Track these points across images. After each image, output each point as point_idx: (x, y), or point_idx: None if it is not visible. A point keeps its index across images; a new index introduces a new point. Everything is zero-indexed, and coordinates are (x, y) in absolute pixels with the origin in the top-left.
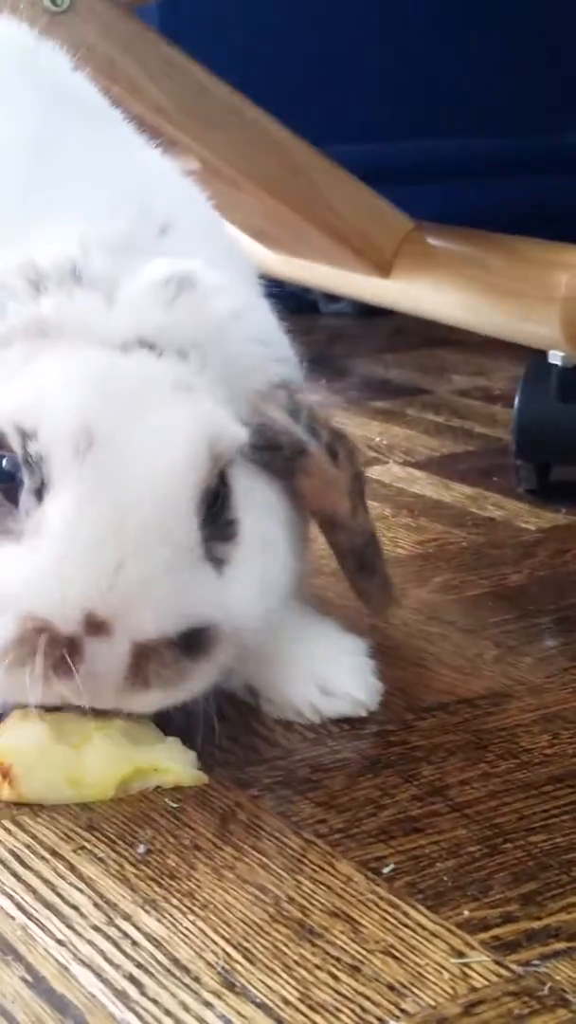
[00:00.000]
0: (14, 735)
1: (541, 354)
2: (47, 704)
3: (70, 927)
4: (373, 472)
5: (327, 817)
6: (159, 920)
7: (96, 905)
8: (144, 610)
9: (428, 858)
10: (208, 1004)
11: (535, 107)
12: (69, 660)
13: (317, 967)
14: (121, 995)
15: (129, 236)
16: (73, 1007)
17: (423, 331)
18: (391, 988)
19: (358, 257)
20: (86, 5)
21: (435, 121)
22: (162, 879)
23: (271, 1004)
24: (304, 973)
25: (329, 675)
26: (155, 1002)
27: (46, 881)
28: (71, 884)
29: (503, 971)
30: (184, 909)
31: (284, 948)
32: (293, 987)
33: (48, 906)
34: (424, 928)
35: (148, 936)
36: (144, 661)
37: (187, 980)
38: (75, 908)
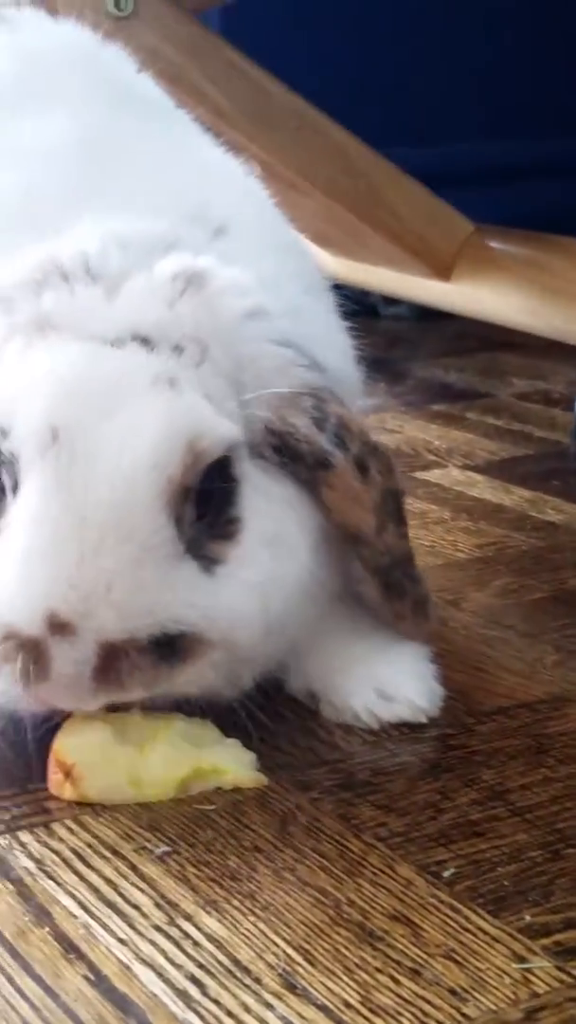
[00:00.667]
0: (77, 735)
1: None
2: (33, 709)
3: (132, 926)
4: (432, 476)
5: (387, 820)
6: (220, 921)
7: (157, 905)
8: (106, 609)
9: (489, 862)
10: (269, 1005)
11: None
12: (35, 665)
13: (378, 970)
14: (183, 995)
15: (169, 236)
16: (135, 1006)
17: (483, 334)
18: (452, 992)
19: (418, 260)
20: (149, 10)
21: (497, 123)
22: (223, 880)
23: (332, 1007)
24: (365, 976)
25: (390, 680)
26: (216, 1003)
27: (108, 880)
28: (132, 884)
29: (565, 976)
30: (245, 910)
31: (345, 951)
32: (354, 990)
33: (110, 905)
34: (485, 933)
35: (209, 936)
36: (114, 663)
37: (248, 981)
38: (136, 908)
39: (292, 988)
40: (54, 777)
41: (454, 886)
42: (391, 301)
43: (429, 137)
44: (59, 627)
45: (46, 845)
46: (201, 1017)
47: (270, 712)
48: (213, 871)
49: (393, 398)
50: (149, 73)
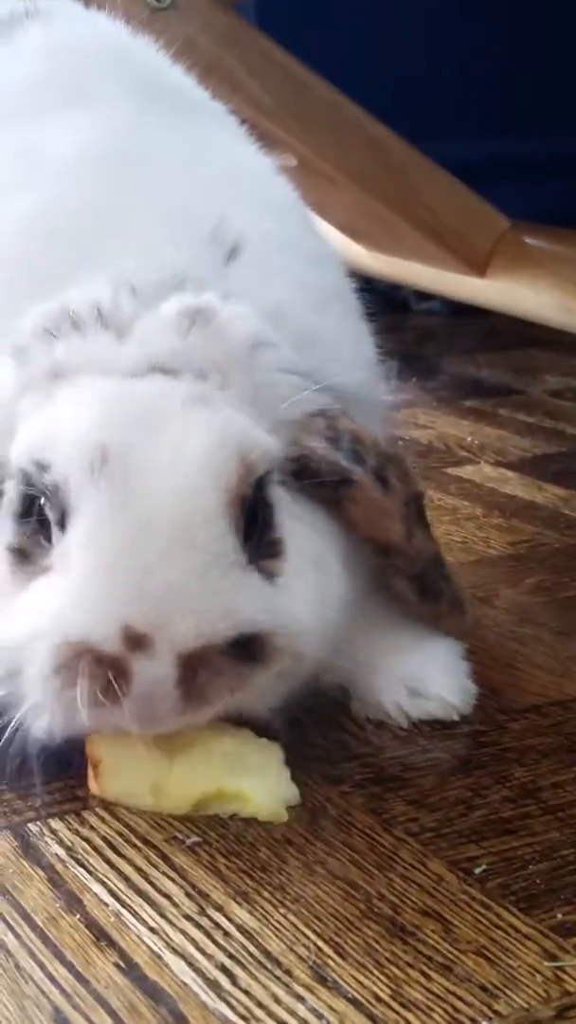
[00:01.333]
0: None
1: None
2: (100, 730)
3: (162, 915)
4: (464, 472)
5: (418, 816)
6: (251, 912)
7: (188, 895)
8: (181, 616)
9: (521, 860)
10: (300, 997)
11: None
12: (115, 684)
13: (409, 965)
14: (213, 985)
15: (185, 270)
16: (166, 995)
17: (516, 331)
18: (483, 989)
19: (453, 256)
20: (188, 1)
21: (534, 118)
22: (253, 872)
23: (363, 1000)
24: (396, 971)
25: (422, 677)
26: (247, 993)
27: (138, 869)
28: (163, 873)
29: None
30: (275, 902)
31: (376, 945)
32: (385, 984)
33: (140, 894)
34: (517, 930)
35: (240, 927)
36: (195, 674)
37: (279, 973)
38: (167, 897)
39: (323, 980)
40: (88, 770)
41: (485, 883)
42: (423, 296)
43: (466, 132)
44: (135, 640)
45: (77, 833)
46: (232, 1007)
47: (301, 706)
48: (243, 862)
49: (425, 393)
50: (185, 64)
